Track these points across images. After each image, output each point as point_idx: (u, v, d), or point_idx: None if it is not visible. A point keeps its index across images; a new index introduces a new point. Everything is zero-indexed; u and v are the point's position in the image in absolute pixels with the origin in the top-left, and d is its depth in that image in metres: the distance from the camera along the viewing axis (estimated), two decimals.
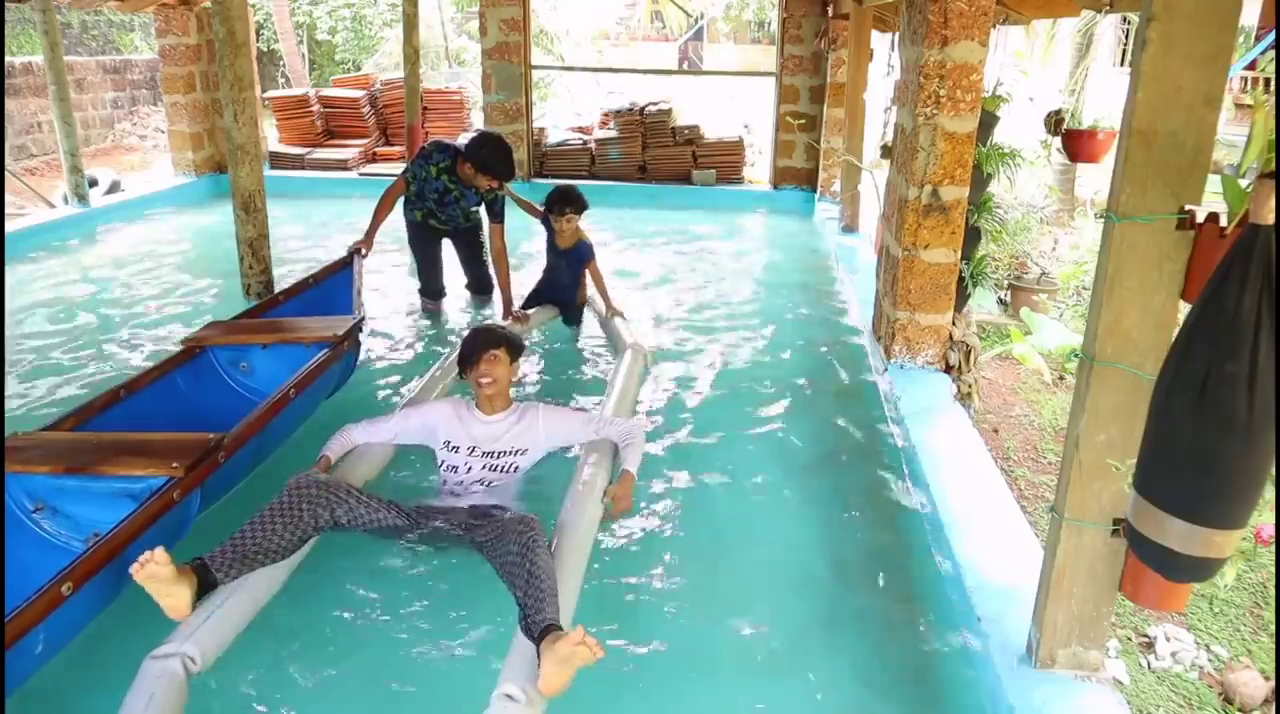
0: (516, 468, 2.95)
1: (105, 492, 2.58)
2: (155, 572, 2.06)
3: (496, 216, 4.78)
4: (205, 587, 2.21)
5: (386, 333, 4.84)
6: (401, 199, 4.88)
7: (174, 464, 2.56)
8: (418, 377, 4.00)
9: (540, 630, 2.03)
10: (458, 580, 2.57)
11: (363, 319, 3.90)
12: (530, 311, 4.69)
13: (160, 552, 2.07)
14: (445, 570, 2.60)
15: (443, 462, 2.95)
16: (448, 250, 5.15)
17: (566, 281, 4.75)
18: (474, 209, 4.89)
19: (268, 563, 2.34)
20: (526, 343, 3.21)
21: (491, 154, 4.52)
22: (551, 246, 4.72)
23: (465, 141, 4.81)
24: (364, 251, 4.68)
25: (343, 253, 4.71)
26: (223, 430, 2.85)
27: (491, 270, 5.11)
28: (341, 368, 3.72)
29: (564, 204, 4.50)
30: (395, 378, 4.25)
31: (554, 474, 3.04)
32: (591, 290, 4.85)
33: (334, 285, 4.40)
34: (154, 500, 2.46)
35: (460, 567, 2.58)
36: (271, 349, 3.66)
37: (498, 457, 2.93)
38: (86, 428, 2.95)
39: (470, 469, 2.90)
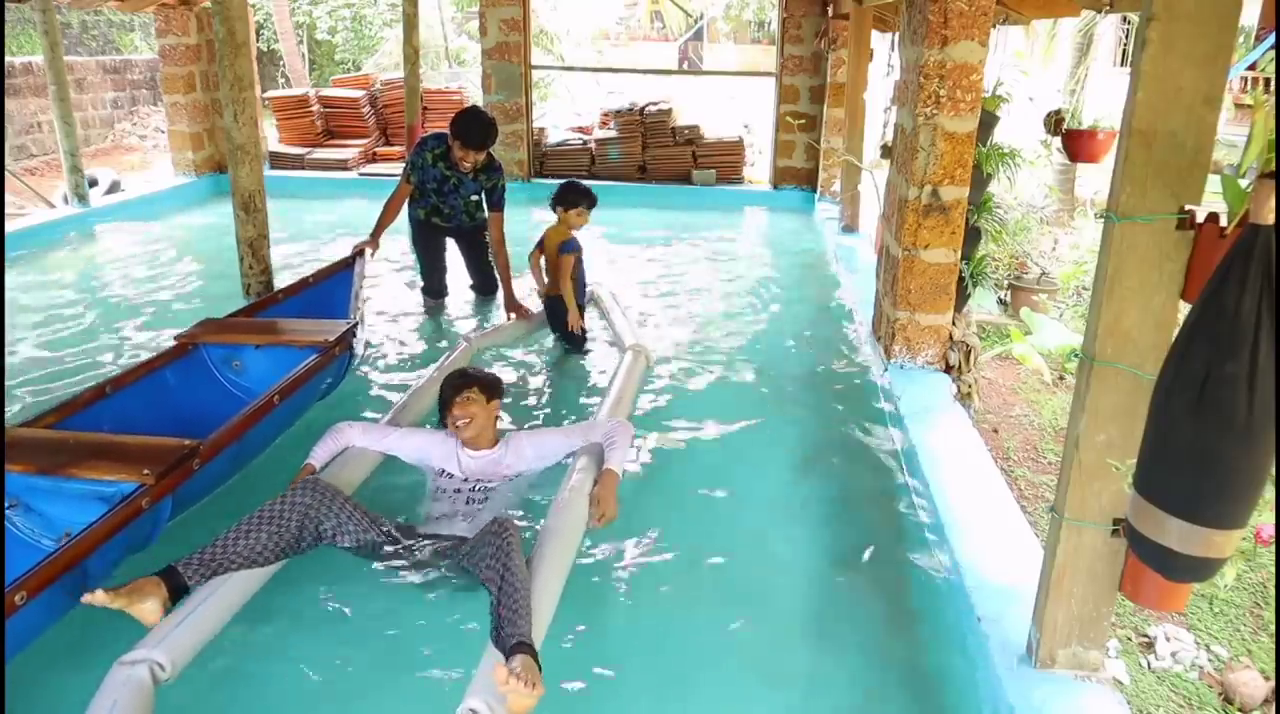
0: (509, 481, 2.97)
1: (77, 493, 2.54)
2: (104, 601, 2.07)
3: (495, 205, 4.79)
4: (176, 592, 2.20)
5: (386, 333, 4.84)
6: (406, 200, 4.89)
7: (145, 471, 2.50)
8: (413, 381, 3.97)
9: (510, 647, 2.01)
10: (431, 590, 2.54)
11: (357, 324, 3.86)
12: (535, 311, 4.67)
13: (100, 594, 2.07)
14: (418, 580, 2.57)
15: (436, 485, 2.94)
16: (452, 250, 5.15)
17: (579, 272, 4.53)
18: (475, 198, 4.86)
19: (244, 568, 2.32)
20: (503, 380, 3.19)
21: (464, 121, 4.55)
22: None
23: None
24: (370, 252, 4.67)
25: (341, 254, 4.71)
26: (211, 429, 2.83)
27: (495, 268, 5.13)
28: (333, 372, 3.68)
29: (581, 199, 4.35)
30: (393, 379, 4.23)
31: (544, 483, 3.03)
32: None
33: (334, 285, 4.37)
34: (121, 508, 2.39)
35: (434, 578, 2.56)
36: (264, 349, 3.63)
37: (490, 480, 2.95)
38: (68, 423, 2.91)
39: (460, 491, 2.89)
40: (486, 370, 3.12)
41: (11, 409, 3.74)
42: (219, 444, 2.83)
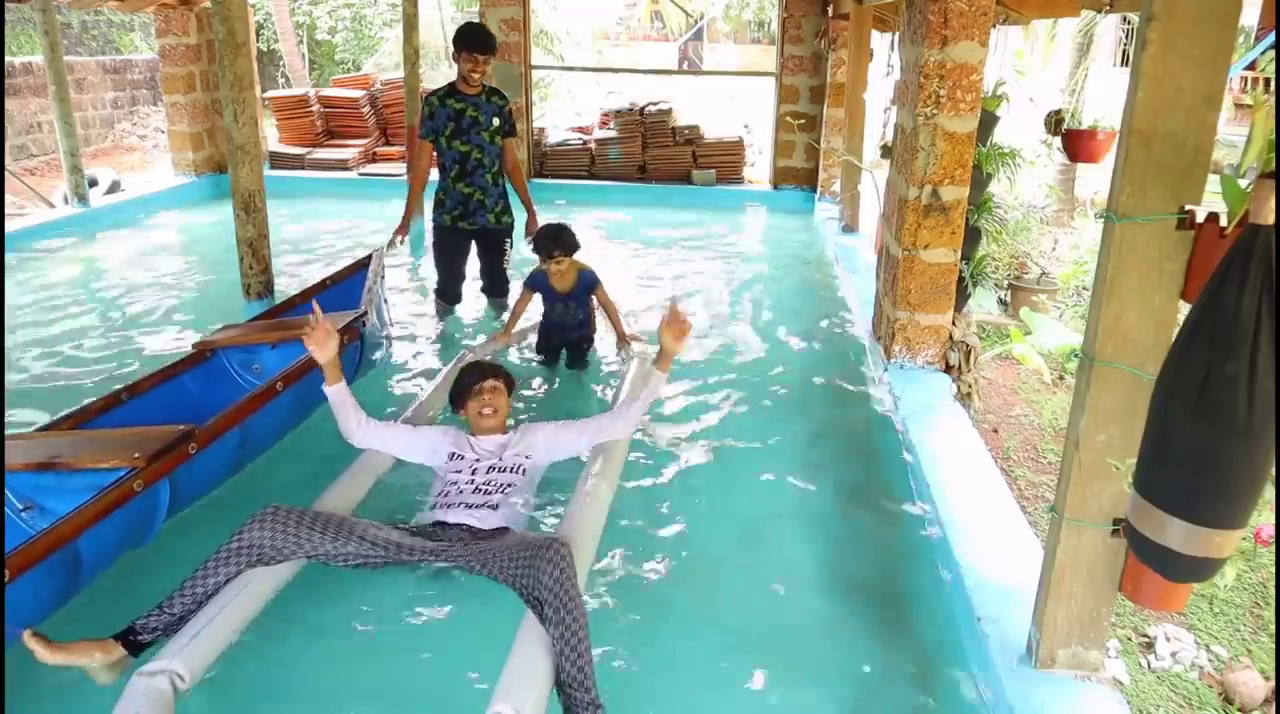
0: (523, 470, 2.86)
1: (79, 486, 2.54)
2: (44, 655, 2.01)
3: (510, 131, 4.84)
4: (137, 649, 2.15)
5: (399, 336, 4.78)
6: (431, 203, 4.88)
7: (135, 455, 2.50)
8: (422, 387, 3.95)
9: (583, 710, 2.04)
10: (447, 593, 2.53)
11: (365, 313, 3.82)
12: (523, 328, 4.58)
13: (40, 648, 2.01)
14: (434, 584, 2.56)
15: (445, 471, 2.85)
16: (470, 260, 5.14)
17: (579, 318, 4.31)
18: (495, 125, 4.75)
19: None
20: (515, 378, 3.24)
21: (460, 30, 4.64)
22: (549, 295, 4.27)
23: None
24: (400, 239, 4.65)
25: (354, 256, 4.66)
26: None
27: (508, 273, 5.15)
28: (344, 364, 3.66)
29: (552, 245, 4.04)
30: (404, 383, 4.21)
31: (557, 486, 3.00)
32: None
33: (352, 286, 4.33)
34: (110, 490, 2.37)
35: (450, 581, 2.54)
36: (281, 349, 3.62)
37: (502, 460, 2.87)
38: (84, 429, 2.90)
39: (475, 472, 2.81)
40: (502, 366, 3.18)
41: (16, 411, 3.73)
42: (217, 429, 2.80)
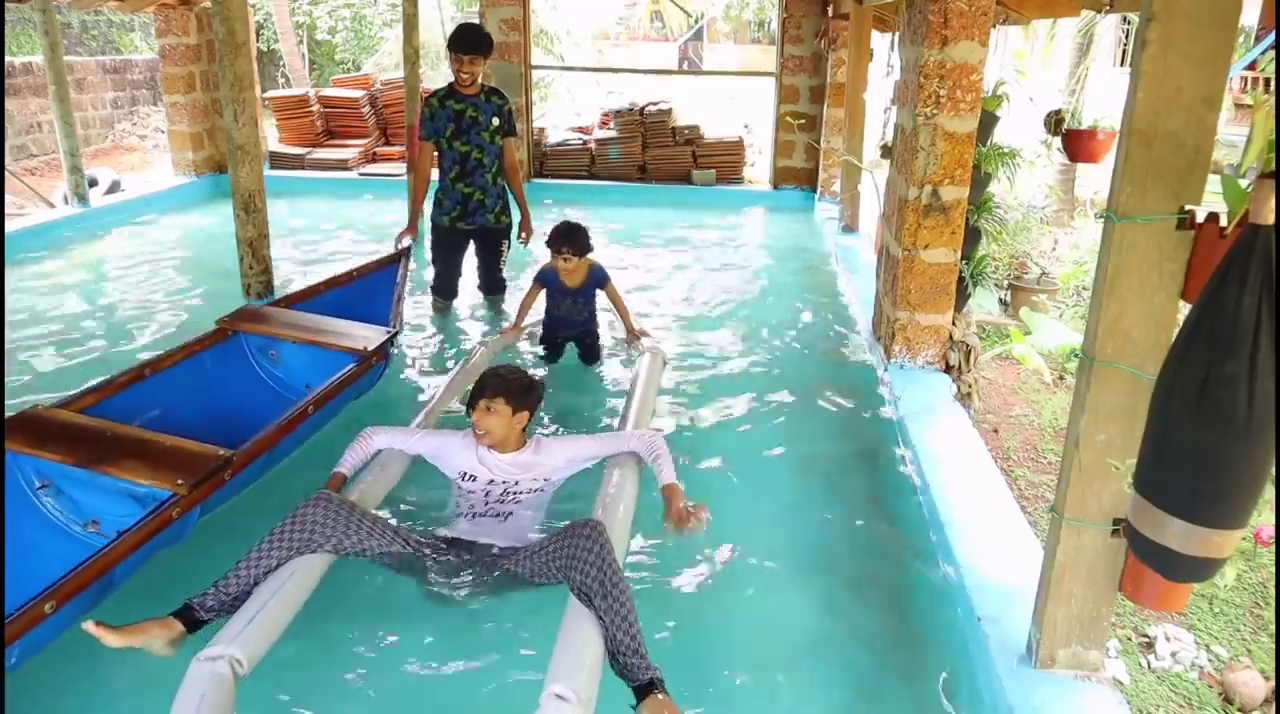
0: (540, 490, 2.83)
1: (110, 488, 2.58)
2: (112, 641, 2.04)
3: (510, 130, 4.87)
4: (193, 626, 2.19)
5: (405, 334, 4.72)
6: (431, 202, 4.90)
7: (179, 480, 2.51)
8: (435, 384, 3.93)
9: (644, 682, 2.05)
10: (487, 587, 2.51)
11: (397, 333, 3.79)
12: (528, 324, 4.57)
13: (108, 635, 2.02)
14: (471, 578, 2.53)
15: (459, 490, 2.82)
16: (468, 258, 5.15)
17: (583, 316, 4.32)
18: (494, 129, 4.76)
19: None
20: (542, 379, 3.03)
21: (455, 32, 4.69)
22: (557, 290, 4.25)
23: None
24: (409, 238, 4.70)
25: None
26: (244, 419, 2.85)
27: (504, 273, 5.17)
28: (368, 380, 3.65)
29: (563, 242, 4.06)
30: (417, 381, 4.20)
31: (578, 498, 2.96)
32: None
33: (377, 282, 4.28)
34: (152, 519, 2.42)
35: (487, 577, 2.52)
36: (302, 346, 3.63)
37: (518, 483, 2.82)
38: (107, 405, 2.95)
39: (489, 495, 2.76)
40: (525, 374, 2.94)
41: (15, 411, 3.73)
42: (252, 454, 2.84)
